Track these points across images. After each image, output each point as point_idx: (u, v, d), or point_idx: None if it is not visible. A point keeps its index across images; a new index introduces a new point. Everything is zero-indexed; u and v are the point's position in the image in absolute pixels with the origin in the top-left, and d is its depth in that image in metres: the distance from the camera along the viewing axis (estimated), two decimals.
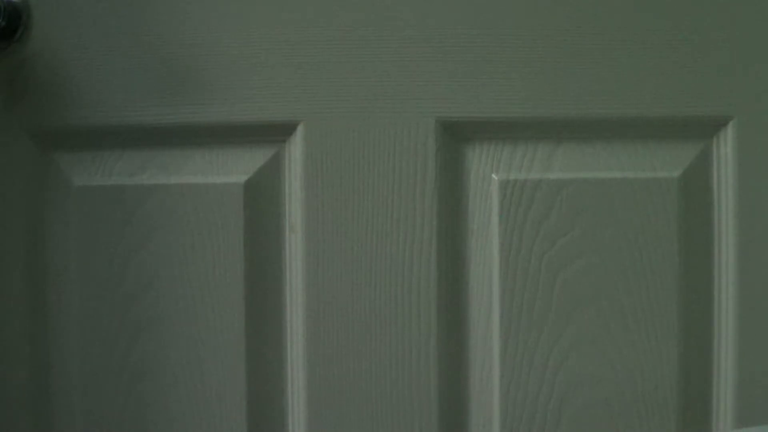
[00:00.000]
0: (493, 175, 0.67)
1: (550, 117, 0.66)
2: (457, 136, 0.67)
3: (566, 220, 0.66)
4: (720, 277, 0.67)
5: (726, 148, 0.66)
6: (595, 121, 0.66)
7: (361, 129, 0.66)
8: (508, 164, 0.67)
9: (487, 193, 0.67)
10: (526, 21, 0.65)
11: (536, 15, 0.65)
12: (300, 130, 0.66)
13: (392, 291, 0.66)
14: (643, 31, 0.65)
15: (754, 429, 0.53)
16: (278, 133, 0.67)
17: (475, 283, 0.67)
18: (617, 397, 0.66)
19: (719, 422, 0.67)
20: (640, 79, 0.65)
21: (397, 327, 0.66)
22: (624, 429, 0.66)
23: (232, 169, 0.67)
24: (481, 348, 0.67)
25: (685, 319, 0.66)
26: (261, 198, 0.67)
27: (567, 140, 0.67)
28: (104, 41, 0.66)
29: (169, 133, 0.66)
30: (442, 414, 0.67)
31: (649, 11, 0.65)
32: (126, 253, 0.67)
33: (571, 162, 0.67)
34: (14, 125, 0.67)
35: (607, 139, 0.67)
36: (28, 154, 0.67)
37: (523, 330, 0.66)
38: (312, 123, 0.66)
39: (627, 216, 0.66)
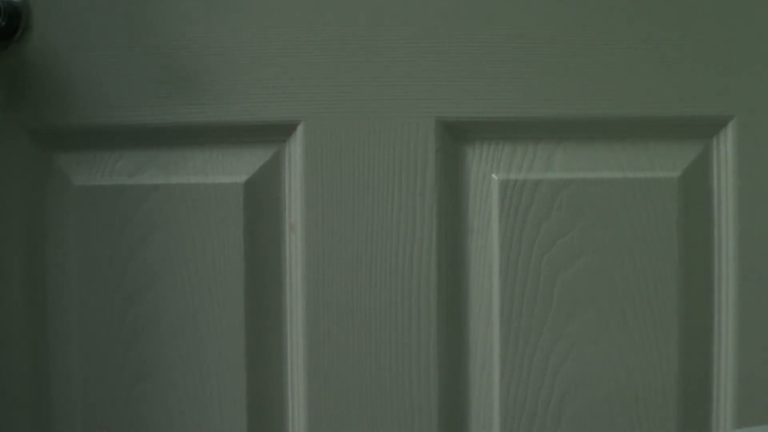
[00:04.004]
0: (493, 175, 0.67)
1: (550, 117, 0.66)
2: (457, 136, 0.67)
3: (566, 220, 0.66)
4: (720, 277, 0.67)
5: (726, 148, 0.66)
6: (595, 121, 0.66)
7: (361, 129, 0.66)
8: (508, 164, 0.67)
9: (487, 193, 0.67)
10: (526, 21, 0.65)
11: (536, 15, 0.65)
12: (300, 130, 0.66)
13: (392, 290, 0.66)
14: (643, 31, 0.65)
15: (754, 429, 0.53)
16: (278, 133, 0.67)
17: (475, 283, 0.67)
18: (617, 397, 0.66)
19: (719, 422, 0.67)
20: (640, 79, 0.65)
21: (397, 327, 0.66)
22: (624, 429, 0.66)
23: (232, 169, 0.67)
24: (481, 348, 0.67)
25: (685, 319, 0.66)
26: (261, 198, 0.67)
27: (567, 140, 0.67)
28: (104, 41, 0.66)
29: (169, 133, 0.66)
30: (442, 414, 0.67)
31: (649, 11, 0.65)
32: (126, 253, 0.67)
33: (571, 162, 0.67)
34: (14, 125, 0.67)
35: (607, 139, 0.67)
36: (28, 154, 0.67)
37: (523, 330, 0.66)
38: (312, 123, 0.66)
39: (627, 216, 0.66)
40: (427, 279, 0.66)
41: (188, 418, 0.67)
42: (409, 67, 0.65)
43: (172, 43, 0.65)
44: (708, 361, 0.67)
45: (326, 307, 0.66)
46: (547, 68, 0.65)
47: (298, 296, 0.67)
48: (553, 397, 0.66)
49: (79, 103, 0.66)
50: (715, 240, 0.67)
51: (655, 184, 0.66)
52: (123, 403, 0.67)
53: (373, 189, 0.66)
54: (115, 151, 0.67)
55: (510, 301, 0.66)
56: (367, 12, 0.65)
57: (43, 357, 0.68)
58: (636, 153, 0.67)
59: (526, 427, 0.67)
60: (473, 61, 0.65)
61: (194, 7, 0.65)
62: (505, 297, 0.66)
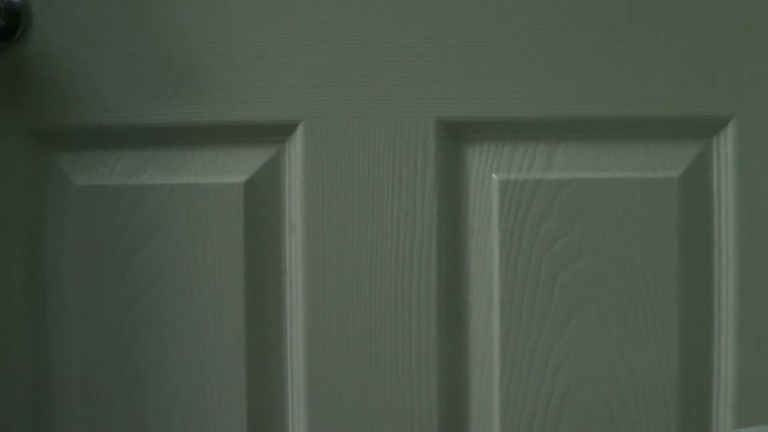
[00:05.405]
0: (493, 175, 0.67)
1: (550, 117, 0.66)
2: (457, 136, 0.67)
3: (566, 220, 0.66)
4: (720, 277, 0.67)
5: (726, 148, 0.66)
6: (594, 121, 0.66)
7: (361, 129, 0.66)
8: (508, 164, 0.67)
9: (487, 193, 0.67)
10: (526, 21, 0.65)
11: (536, 15, 0.65)
12: (300, 130, 0.66)
13: (392, 291, 0.66)
14: (643, 31, 0.65)
15: (754, 429, 0.53)
16: (278, 133, 0.67)
17: (475, 283, 0.67)
18: (617, 397, 0.66)
19: (719, 422, 0.67)
20: (639, 79, 0.65)
21: (397, 327, 0.66)
22: (624, 429, 0.66)
23: (232, 169, 0.67)
24: (481, 348, 0.67)
25: (685, 319, 0.66)
26: (261, 198, 0.67)
27: (567, 140, 0.67)
28: (104, 41, 0.66)
29: (169, 133, 0.66)
30: (442, 414, 0.67)
31: (649, 11, 0.65)
32: (126, 253, 0.67)
33: (571, 162, 0.67)
34: (14, 125, 0.67)
35: (607, 139, 0.67)
36: (28, 154, 0.67)
37: (523, 330, 0.66)
38: (312, 123, 0.66)
39: (627, 216, 0.66)
40: (427, 279, 0.66)
41: (188, 418, 0.67)
42: (409, 67, 0.65)
43: (172, 43, 0.65)
44: (708, 361, 0.67)
45: (326, 307, 0.66)
46: (547, 68, 0.65)
47: (298, 296, 0.67)
48: (553, 397, 0.66)
49: (79, 103, 0.66)
50: (715, 240, 0.67)
51: (655, 184, 0.66)
52: (123, 403, 0.67)
53: (373, 189, 0.66)
54: (115, 151, 0.67)
55: (510, 301, 0.66)
56: (367, 12, 0.65)
57: (43, 357, 0.67)
58: (636, 153, 0.67)
59: (526, 427, 0.67)
60: (473, 61, 0.65)
61: (194, 8, 0.65)
62: (505, 297, 0.66)
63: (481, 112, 0.66)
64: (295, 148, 0.67)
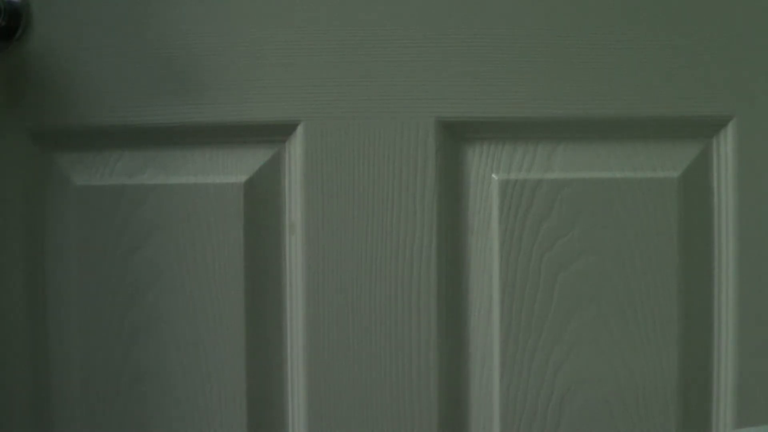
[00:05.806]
0: (493, 175, 0.67)
1: (550, 117, 0.66)
2: (457, 136, 0.67)
3: (566, 220, 0.66)
4: (720, 277, 0.67)
5: (726, 148, 0.66)
6: (595, 121, 0.66)
7: (361, 129, 0.66)
8: (508, 164, 0.67)
9: (487, 193, 0.67)
10: (526, 21, 0.65)
11: (536, 15, 0.65)
12: (300, 130, 0.66)
13: (392, 291, 0.66)
14: (643, 31, 0.65)
15: (753, 429, 0.53)
16: (278, 133, 0.67)
17: (475, 283, 0.67)
18: (617, 397, 0.66)
19: (719, 422, 0.67)
20: (639, 79, 0.65)
21: (397, 326, 0.66)
22: (624, 429, 0.66)
23: (232, 169, 0.67)
24: (481, 348, 0.67)
25: (685, 319, 0.66)
26: (261, 198, 0.67)
27: (567, 140, 0.67)
28: (104, 41, 0.66)
29: (169, 133, 0.66)
30: (442, 414, 0.67)
31: (648, 11, 0.65)
32: (126, 253, 0.67)
33: (571, 162, 0.67)
34: (14, 125, 0.67)
35: (607, 139, 0.67)
36: (28, 154, 0.67)
37: (523, 330, 0.66)
38: (312, 123, 0.66)
39: (627, 216, 0.66)
40: (427, 279, 0.66)
41: (188, 418, 0.67)
42: (410, 67, 0.65)
43: (172, 43, 0.65)
44: (708, 361, 0.67)
45: (326, 307, 0.66)
46: (547, 68, 0.65)
47: (298, 296, 0.67)
48: (553, 397, 0.66)
49: (79, 103, 0.66)
50: (715, 240, 0.67)
51: (655, 184, 0.66)
52: (123, 403, 0.67)
53: (373, 189, 0.66)
54: (115, 151, 0.67)
55: (510, 301, 0.66)
56: (367, 12, 0.65)
57: (43, 357, 0.67)
58: (636, 153, 0.67)
59: (526, 427, 0.67)
60: (473, 62, 0.65)
61: (194, 8, 0.65)
62: (505, 297, 0.66)
63: (481, 112, 0.66)
64: (295, 148, 0.67)
